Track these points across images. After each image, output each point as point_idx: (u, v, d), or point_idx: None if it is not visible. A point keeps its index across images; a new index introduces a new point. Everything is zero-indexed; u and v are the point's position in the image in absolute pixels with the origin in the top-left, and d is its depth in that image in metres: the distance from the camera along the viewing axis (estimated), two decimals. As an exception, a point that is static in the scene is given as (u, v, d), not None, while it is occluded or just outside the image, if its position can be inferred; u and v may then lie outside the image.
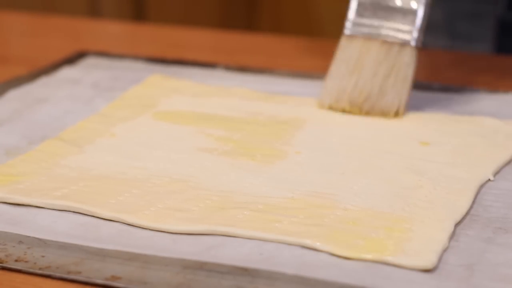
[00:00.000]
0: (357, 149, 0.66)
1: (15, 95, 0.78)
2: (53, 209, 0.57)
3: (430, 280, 0.49)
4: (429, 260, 0.50)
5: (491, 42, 0.98)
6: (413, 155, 0.65)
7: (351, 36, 0.74)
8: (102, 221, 0.55)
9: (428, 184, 0.60)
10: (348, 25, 0.74)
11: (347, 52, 0.74)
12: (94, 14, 1.92)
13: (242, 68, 0.86)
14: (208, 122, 0.71)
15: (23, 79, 0.82)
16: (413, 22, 0.73)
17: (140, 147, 0.66)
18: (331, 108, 0.74)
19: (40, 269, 0.51)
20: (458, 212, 0.56)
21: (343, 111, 0.73)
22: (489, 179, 0.61)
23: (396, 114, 0.72)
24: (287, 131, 0.69)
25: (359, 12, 0.74)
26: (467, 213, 0.56)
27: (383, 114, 0.72)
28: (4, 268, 0.51)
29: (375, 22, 0.74)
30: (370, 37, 0.73)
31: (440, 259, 0.50)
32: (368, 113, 0.73)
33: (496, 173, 0.62)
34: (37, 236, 0.54)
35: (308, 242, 0.52)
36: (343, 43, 0.75)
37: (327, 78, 0.75)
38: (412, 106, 0.75)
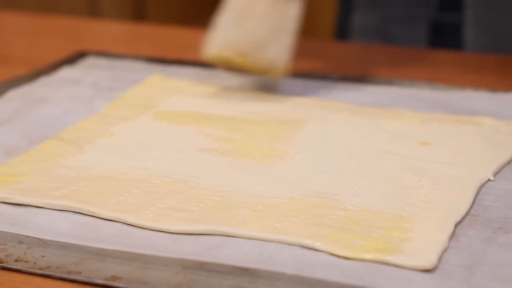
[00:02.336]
0: (357, 149, 0.66)
1: (15, 95, 0.78)
2: (53, 209, 0.57)
3: (430, 280, 0.49)
4: (429, 260, 0.50)
5: (425, 43, 0.98)
6: (413, 155, 0.65)
7: None
8: (102, 221, 0.55)
9: (428, 184, 0.60)
10: None
11: (235, 2, 0.75)
12: (94, 14, 1.92)
13: (242, 68, 0.85)
14: (208, 122, 0.71)
15: (23, 79, 0.82)
16: None
17: (140, 147, 0.66)
18: (218, 58, 0.74)
19: (40, 269, 0.50)
20: (458, 212, 0.56)
21: (229, 61, 0.74)
22: (489, 179, 0.61)
23: (279, 73, 0.73)
24: (287, 131, 0.69)
25: None
26: (467, 213, 0.56)
27: (270, 67, 0.73)
28: (4, 268, 0.51)
29: None
30: None
31: (440, 259, 0.50)
32: (252, 65, 0.73)
33: (496, 173, 0.62)
34: (37, 236, 0.53)
35: (308, 242, 0.52)
36: None
37: (215, 28, 0.75)
38: (412, 106, 0.75)
